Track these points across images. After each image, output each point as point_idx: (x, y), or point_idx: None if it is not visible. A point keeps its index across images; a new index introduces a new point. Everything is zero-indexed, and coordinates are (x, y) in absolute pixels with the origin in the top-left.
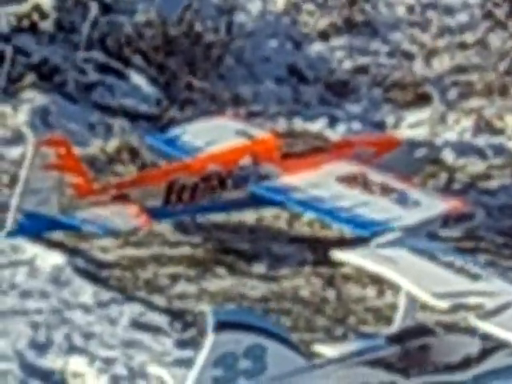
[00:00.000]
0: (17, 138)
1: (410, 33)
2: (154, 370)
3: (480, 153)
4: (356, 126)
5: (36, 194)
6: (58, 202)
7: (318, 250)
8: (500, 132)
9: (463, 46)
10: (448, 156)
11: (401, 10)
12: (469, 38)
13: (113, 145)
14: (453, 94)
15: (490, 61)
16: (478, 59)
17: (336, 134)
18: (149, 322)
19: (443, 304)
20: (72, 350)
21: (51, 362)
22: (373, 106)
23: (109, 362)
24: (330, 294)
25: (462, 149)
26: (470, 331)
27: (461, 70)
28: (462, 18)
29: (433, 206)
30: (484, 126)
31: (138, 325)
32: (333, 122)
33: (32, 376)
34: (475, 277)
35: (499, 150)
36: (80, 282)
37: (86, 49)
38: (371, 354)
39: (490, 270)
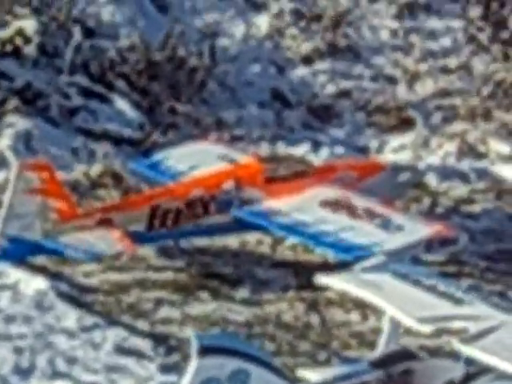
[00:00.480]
0: (0, 163)
1: (393, 57)
2: None
3: (463, 177)
4: (339, 150)
5: (19, 219)
6: (41, 227)
7: (301, 275)
8: (483, 156)
9: (446, 70)
10: (431, 180)
11: (384, 34)
12: (452, 62)
13: (96, 169)
14: (436, 118)
15: (473, 85)
16: (462, 83)
17: (319, 159)
18: (132, 347)
19: (427, 328)
20: (55, 375)
21: None
22: (356, 131)
23: None
24: (314, 318)
25: (446, 173)
26: (454, 355)
27: (444, 94)
28: (446, 42)
29: (416, 230)
30: (467, 151)
31: (121, 349)
32: (316, 146)
33: None
34: (459, 301)
35: (482, 174)
36: (63, 306)
37: (70, 73)
38: (354, 378)
39: (474, 295)
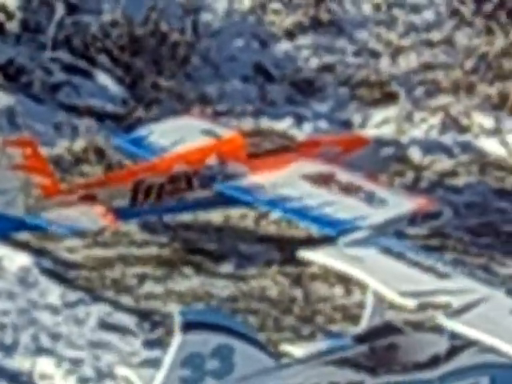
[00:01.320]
0: None
1: (377, 31)
2: (121, 370)
3: (446, 151)
4: (322, 124)
5: (2, 195)
6: (24, 203)
7: (285, 250)
8: (467, 129)
9: (429, 44)
10: (415, 154)
11: (367, 9)
12: (435, 36)
13: (79, 145)
14: (419, 92)
15: (456, 59)
16: (445, 57)
17: (302, 133)
18: (116, 323)
19: (410, 303)
20: (39, 351)
21: (18, 363)
22: (339, 105)
23: (76, 362)
24: (298, 293)
25: (429, 147)
26: (438, 330)
27: (427, 68)
28: (428, 16)
29: (400, 204)
30: (451, 124)
31: (105, 325)
32: (299, 120)
33: (0, 378)
34: (442, 275)
35: (466, 148)
36: (47, 282)
37: (52, 49)
38: (339, 353)
39: (457, 269)
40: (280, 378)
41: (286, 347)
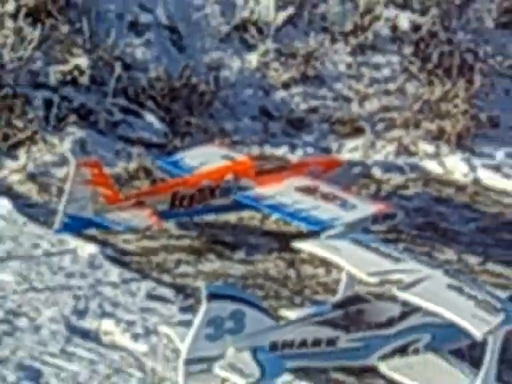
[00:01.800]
0: (62, 162)
1: (349, 83)
2: (163, 329)
3: (400, 170)
4: (310, 150)
5: (76, 202)
6: (92, 208)
7: (282, 241)
8: (414, 154)
9: (387, 92)
10: (376, 172)
11: (342, 67)
12: (391, 86)
13: (132, 166)
14: (380, 127)
15: (406, 103)
16: (398, 102)
17: (295, 157)
18: (159, 294)
19: (374, 280)
20: (103, 315)
21: (89, 323)
22: (322, 136)
23: (130, 323)
24: (291, 273)
25: (387, 167)
26: (393, 299)
27: (385, 110)
28: (386, 72)
29: (365, 208)
30: (403, 151)
31: (151, 296)
32: (293, 148)
33: (74, 334)
34: (397, 260)
35: (414, 168)
36: (109, 265)
37: (113, 96)
38: (321, 316)
39: (407, 255)
40: (278, 334)
41: (283, 312)
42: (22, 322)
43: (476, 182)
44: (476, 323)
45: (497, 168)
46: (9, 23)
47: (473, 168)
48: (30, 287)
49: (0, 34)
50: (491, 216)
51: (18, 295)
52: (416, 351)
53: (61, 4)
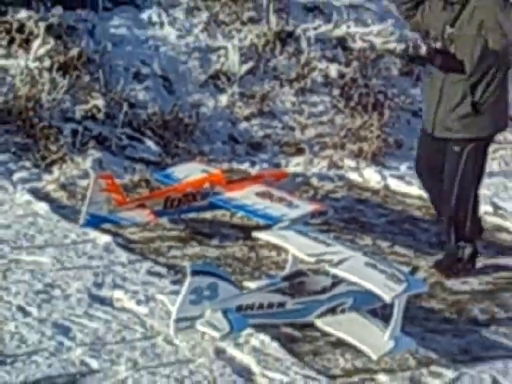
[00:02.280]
0: (85, 175)
1: (293, 116)
2: (159, 296)
3: (331, 179)
4: (265, 166)
5: (95, 205)
6: (107, 209)
7: (246, 232)
8: (341, 168)
9: (321, 123)
10: (313, 181)
11: (288, 104)
12: (324, 118)
13: (136, 178)
14: (316, 148)
15: (335, 131)
16: (329, 130)
17: (254, 170)
18: (156, 271)
19: (312, 259)
20: (115, 286)
21: (104, 293)
22: (273, 155)
23: (135, 292)
24: (252, 255)
25: (321, 177)
26: (326, 274)
27: (320, 136)
28: (321, 108)
29: (305, 207)
30: (332, 165)
31: (150, 273)
32: (252, 164)
33: (94, 301)
34: (328, 244)
35: (341, 178)
36: (119, 251)
37: (122, 127)
38: (273, 286)
39: (336, 241)
40: (242, 300)
41: (246, 283)
42: (56, 292)
43: (386, 187)
44: (386, 290)
45: (401, 177)
46: (45, 75)
47: (383, 177)
48: (61, 267)
49: (40, 83)
50: (397, 212)
51: (53, 273)
52: (343, 311)
53: (83, 60)
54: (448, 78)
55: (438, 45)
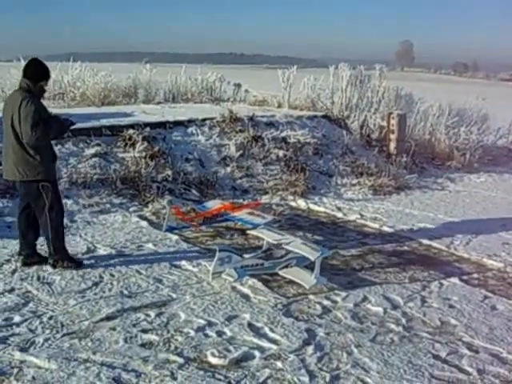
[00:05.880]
0: (163, 208)
1: (262, 176)
2: (204, 263)
3: (281, 205)
4: (250, 200)
5: (170, 221)
6: (175, 223)
7: (242, 231)
8: (286, 199)
9: (276, 179)
10: (274, 206)
11: (259, 170)
12: (277, 176)
13: (188, 208)
14: (274, 191)
15: (283, 182)
16: (280, 182)
17: (245, 202)
18: (201, 251)
19: (275, 242)
20: (182, 259)
21: (177, 262)
22: (254, 195)
23: (191, 261)
24: (245, 243)
25: (277, 204)
26: (282, 248)
27: (276, 185)
28: (275, 171)
29: (269, 218)
30: (282, 199)
31: (198, 252)
32: (243, 199)
33: (173, 267)
34: (282, 235)
35: (286, 204)
36: (182, 243)
37: (180, 184)
38: (257, 255)
39: (285, 233)
40: (243, 263)
41: (245, 255)
42: (155, 263)
43: (308, 208)
44: (311, 255)
45: (315, 203)
46: (143, 160)
47: (307, 203)
48: (155, 251)
49: (140, 164)
50: (314, 219)
51: (152, 255)
52: (291, 266)
53: (160, 153)
54: None
55: None
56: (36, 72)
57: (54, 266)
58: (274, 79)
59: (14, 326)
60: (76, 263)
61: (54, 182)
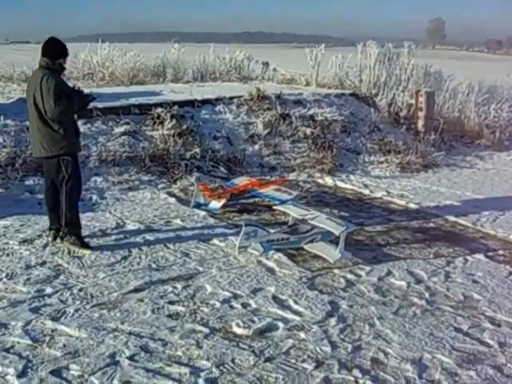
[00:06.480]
0: (191, 184)
1: (290, 154)
2: (231, 238)
3: (308, 182)
4: (276, 177)
5: (197, 197)
6: (203, 200)
7: (269, 207)
8: (313, 177)
9: (303, 156)
10: (300, 183)
11: (287, 148)
12: (304, 154)
13: (216, 185)
14: (301, 168)
15: (310, 160)
16: (307, 159)
17: (272, 179)
18: (228, 227)
19: (301, 217)
20: (209, 234)
21: (204, 237)
22: (281, 173)
23: (219, 237)
24: (272, 218)
25: (304, 181)
26: (308, 223)
27: (303, 162)
28: (303, 149)
29: (295, 194)
30: (309, 176)
31: (225, 227)
32: (271, 176)
33: (200, 241)
34: (308, 210)
35: (313, 181)
36: (210, 218)
37: (208, 161)
38: (284, 230)
39: (312, 209)
40: (269, 237)
41: (270, 230)
42: (184, 236)
43: (335, 185)
44: (336, 229)
45: (342, 180)
46: (171, 138)
47: (334, 180)
48: (183, 227)
49: (168, 142)
50: (341, 196)
51: (181, 231)
52: (317, 241)
53: (189, 131)
54: None
55: None
56: (54, 50)
57: (61, 239)
58: (302, 58)
59: (45, 297)
60: (84, 244)
61: (75, 156)
